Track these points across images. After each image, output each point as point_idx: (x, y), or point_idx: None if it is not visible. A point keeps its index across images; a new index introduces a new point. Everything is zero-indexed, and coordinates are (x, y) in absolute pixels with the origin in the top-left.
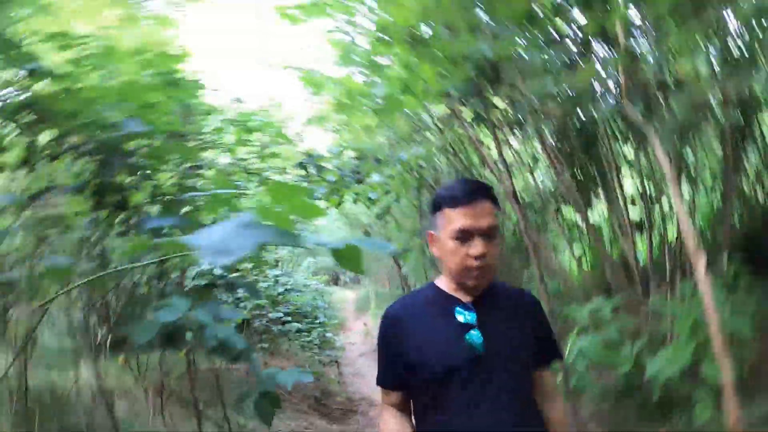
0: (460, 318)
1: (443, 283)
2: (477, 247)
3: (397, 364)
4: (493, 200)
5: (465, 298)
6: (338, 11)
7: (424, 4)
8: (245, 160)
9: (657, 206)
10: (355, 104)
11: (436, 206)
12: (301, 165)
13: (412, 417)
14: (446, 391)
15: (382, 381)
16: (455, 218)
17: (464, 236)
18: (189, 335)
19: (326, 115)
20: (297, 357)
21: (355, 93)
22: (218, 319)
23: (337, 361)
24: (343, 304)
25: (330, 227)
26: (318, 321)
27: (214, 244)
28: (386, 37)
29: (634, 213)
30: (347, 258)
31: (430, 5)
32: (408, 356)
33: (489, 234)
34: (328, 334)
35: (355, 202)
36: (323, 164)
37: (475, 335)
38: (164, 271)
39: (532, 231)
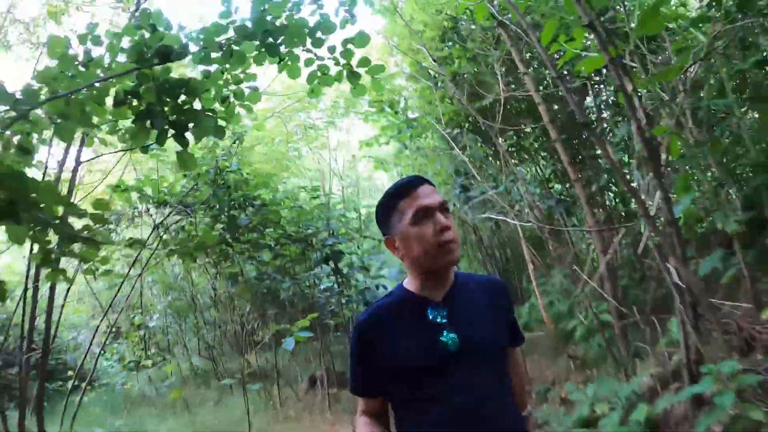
0: (432, 318)
1: (411, 284)
2: (441, 220)
3: (373, 372)
4: (432, 185)
5: (436, 296)
6: None
7: None
8: None
9: None
10: None
11: (389, 206)
12: None
13: (392, 423)
14: (426, 393)
15: (357, 390)
16: (410, 203)
17: (425, 214)
18: None
19: None
20: None
21: None
22: None
23: None
24: None
25: None
26: None
27: None
28: None
29: None
30: None
31: None
32: (384, 362)
33: (445, 208)
34: None
35: None
36: None
37: (448, 335)
38: None
39: None
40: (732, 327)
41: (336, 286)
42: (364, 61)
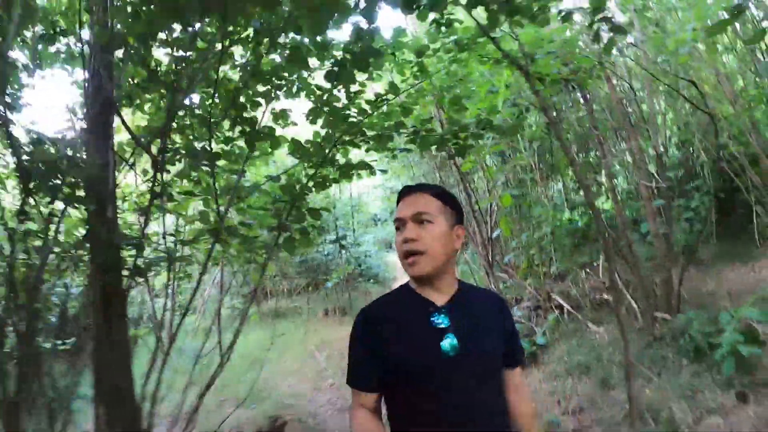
0: (436, 323)
1: (416, 286)
2: (405, 231)
3: (372, 366)
4: (435, 193)
5: (439, 301)
6: None
7: None
8: None
9: None
10: None
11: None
12: None
13: (386, 418)
14: (421, 393)
15: (354, 382)
16: (396, 212)
17: (399, 225)
18: None
19: None
20: None
21: None
22: None
23: None
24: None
25: None
26: None
27: None
28: None
29: None
30: None
31: None
32: (384, 358)
33: (420, 220)
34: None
35: None
36: None
37: (450, 340)
38: None
39: None
40: None
41: (339, 254)
42: None
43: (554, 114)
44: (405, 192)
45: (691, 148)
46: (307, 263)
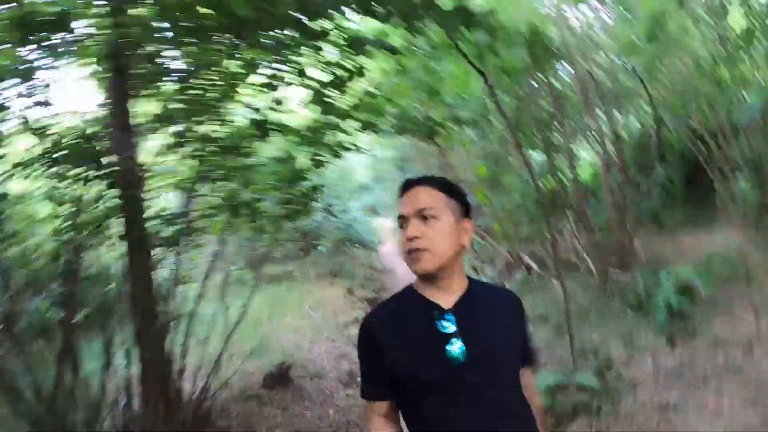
0: (442, 328)
1: (421, 287)
2: (408, 228)
3: (380, 376)
4: (439, 186)
5: (445, 303)
6: None
7: None
8: None
9: None
10: None
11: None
12: None
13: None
14: (432, 402)
15: (366, 393)
16: (398, 207)
17: (402, 223)
18: None
19: None
20: None
21: None
22: None
23: None
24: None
25: None
26: None
27: None
28: None
29: None
30: None
31: None
32: (390, 368)
33: (423, 216)
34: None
35: None
36: None
37: (455, 345)
38: None
39: None
40: None
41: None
42: None
43: (517, 102)
44: (406, 186)
45: (656, 127)
46: (298, 231)
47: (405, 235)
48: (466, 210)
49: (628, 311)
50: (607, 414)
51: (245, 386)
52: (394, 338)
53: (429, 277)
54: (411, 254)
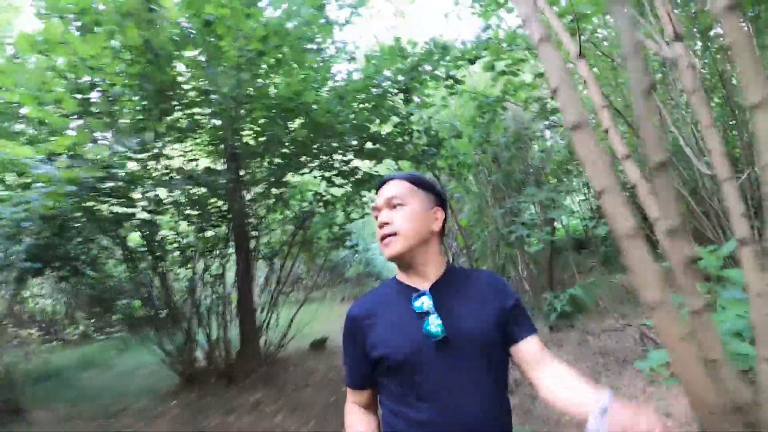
0: (417, 305)
1: (402, 276)
2: (380, 217)
3: (363, 363)
4: (406, 178)
5: (422, 286)
6: None
7: None
8: None
9: None
10: None
11: None
12: None
13: (379, 414)
14: (411, 381)
15: (349, 382)
16: (372, 205)
17: (376, 214)
18: None
19: None
20: None
21: None
22: None
23: None
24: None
25: None
26: None
27: None
28: None
29: None
30: None
31: None
32: (371, 351)
33: (391, 204)
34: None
35: None
36: None
37: (433, 323)
38: None
39: None
40: None
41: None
42: None
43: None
44: (380, 183)
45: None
46: (326, 264)
47: (377, 224)
48: (438, 200)
49: (542, 317)
50: None
51: (301, 347)
52: (374, 321)
53: (403, 261)
54: (383, 240)
